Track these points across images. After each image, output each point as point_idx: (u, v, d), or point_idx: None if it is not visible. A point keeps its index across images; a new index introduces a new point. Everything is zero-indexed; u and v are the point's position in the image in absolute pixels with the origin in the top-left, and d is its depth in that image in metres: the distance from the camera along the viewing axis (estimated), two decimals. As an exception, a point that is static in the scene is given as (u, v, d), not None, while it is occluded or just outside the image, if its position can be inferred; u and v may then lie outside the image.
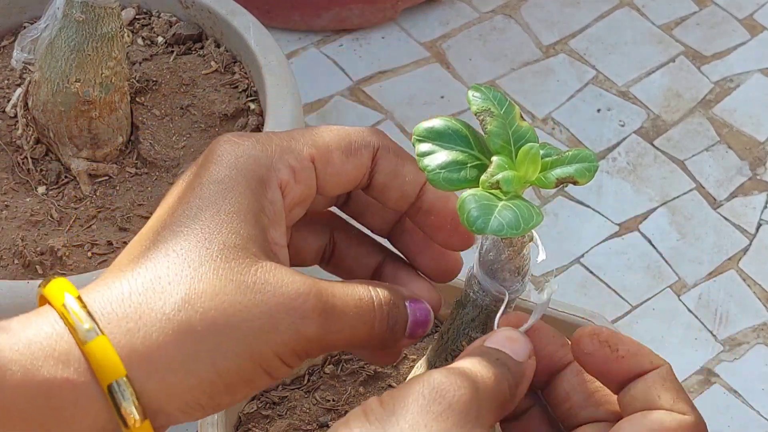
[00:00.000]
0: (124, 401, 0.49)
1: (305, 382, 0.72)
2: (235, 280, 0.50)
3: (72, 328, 0.49)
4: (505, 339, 0.54)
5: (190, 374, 0.50)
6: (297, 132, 0.56)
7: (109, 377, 0.49)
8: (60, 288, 0.50)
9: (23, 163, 0.90)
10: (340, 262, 0.60)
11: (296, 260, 0.59)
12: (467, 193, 0.51)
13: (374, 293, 0.54)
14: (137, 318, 0.50)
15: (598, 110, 1.20)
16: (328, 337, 0.52)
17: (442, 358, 0.62)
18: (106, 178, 0.90)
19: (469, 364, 0.52)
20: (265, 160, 0.54)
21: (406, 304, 0.56)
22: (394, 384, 0.71)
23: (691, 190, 1.15)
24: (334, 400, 0.70)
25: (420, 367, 0.63)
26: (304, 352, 0.51)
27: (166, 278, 0.50)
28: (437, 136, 0.53)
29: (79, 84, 0.86)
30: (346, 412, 0.69)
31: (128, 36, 0.95)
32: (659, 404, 0.51)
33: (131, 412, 0.49)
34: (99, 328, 0.49)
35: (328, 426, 0.69)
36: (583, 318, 0.74)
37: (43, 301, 0.51)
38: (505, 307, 0.60)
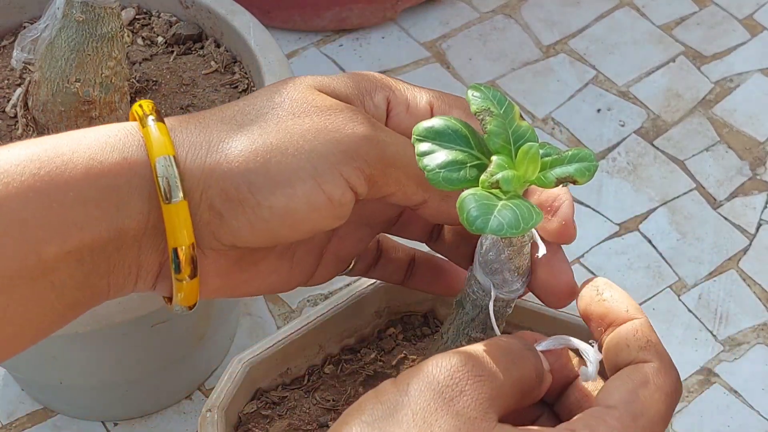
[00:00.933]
0: (168, 176, 0.51)
1: (305, 382, 0.72)
2: (299, 101, 0.54)
3: (138, 118, 0.53)
4: (528, 334, 0.55)
5: (231, 158, 0.52)
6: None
7: (158, 154, 0.52)
8: (139, 103, 0.55)
9: (23, 163, 0.90)
10: (445, 240, 0.63)
11: (406, 233, 0.62)
12: (467, 193, 0.51)
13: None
14: (199, 120, 0.54)
15: (598, 110, 1.20)
16: (379, 144, 0.53)
17: (442, 357, 0.62)
18: (106, 178, 0.90)
19: (490, 346, 0.52)
20: (382, 79, 0.57)
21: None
22: (394, 384, 0.71)
23: (691, 190, 1.15)
24: (334, 400, 0.71)
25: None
26: (356, 158, 0.53)
27: (229, 113, 0.54)
28: (437, 136, 0.53)
29: (79, 84, 0.86)
30: (347, 411, 0.69)
31: (128, 36, 0.95)
32: (627, 353, 0.53)
33: (173, 188, 0.51)
34: (160, 117, 0.53)
35: (328, 426, 0.69)
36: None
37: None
38: (505, 307, 0.60)
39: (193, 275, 0.53)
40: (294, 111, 0.53)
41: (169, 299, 0.57)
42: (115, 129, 0.53)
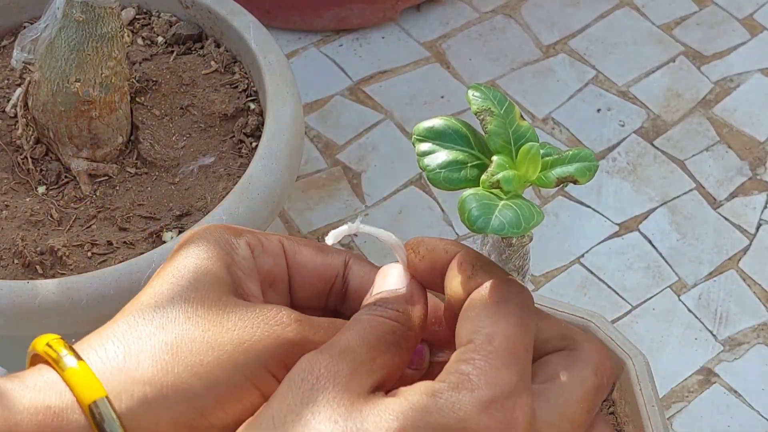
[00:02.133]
0: (105, 422, 0.49)
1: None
2: (214, 309, 0.51)
3: (53, 360, 0.50)
4: (378, 280, 0.54)
5: (176, 389, 0.50)
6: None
7: (89, 398, 0.49)
8: (43, 338, 0.51)
9: (23, 163, 0.90)
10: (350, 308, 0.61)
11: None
12: (468, 193, 0.51)
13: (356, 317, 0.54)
14: (114, 346, 0.50)
15: (598, 110, 1.20)
16: (310, 346, 0.51)
17: (442, 357, 0.62)
18: (106, 178, 0.90)
19: (330, 322, 0.52)
20: (231, 230, 0.55)
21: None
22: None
23: (691, 190, 1.15)
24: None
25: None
26: (288, 364, 0.51)
27: (143, 332, 0.51)
28: (437, 136, 0.53)
29: (79, 84, 0.86)
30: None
31: (128, 36, 0.95)
32: (459, 286, 0.51)
33: (113, 431, 0.48)
34: (78, 356, 0.50)
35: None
36: (582, 318, 0.74)
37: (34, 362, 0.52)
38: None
39: None
40: (217, 321, 0.51)
41: None
42: (33, 379, 0.50)
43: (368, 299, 0.54)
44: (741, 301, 1.07)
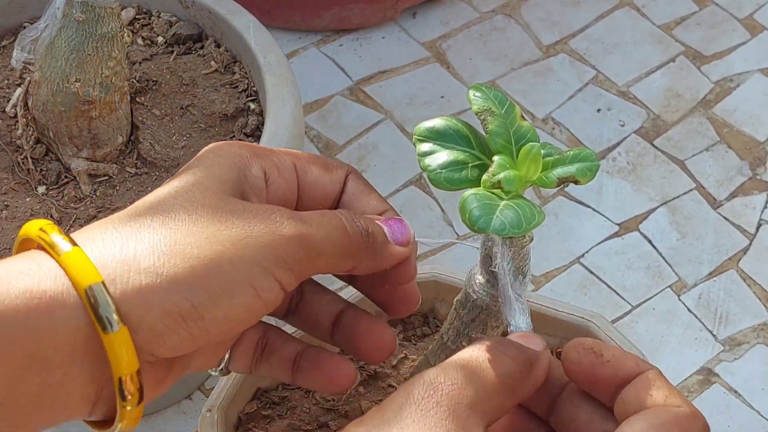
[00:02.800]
0: (101, 306, 0.49)
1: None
2: (215, 209, 0.53)
3: (48, 245, 0.50)
4: (517, 336, 0.55)
5: (171, 280, 0.50)
6: (279, 149, 0.59)
7: (85, 282, 0.49)
8: (35, 223, 0.52)
9: (23, 163, 0.90)
10: (305, 309, 0.61)
11: None
12: (469, 193, 0.51)
13: (333, 210, 0.56)
14: (112, 236, 0.51)
15: (598, 110, 1.20)
16: (305, 241, 0.53)
17: (442, 358, 0.62)
18: (106, 178, 0.90)
19: (467, 353, 0.52)
20: (249, 149, 0.57)
21: (377, 222, 0.57)
22: (395, 384, 0.71)
23: (691, 190, 1.15)
24: (334, 400, 0.71)
25: (420, 367, 0.63)
26: (286, 259, 0.52)
27: (144, 224, 0.52)
28: (438, 136, 0.53)
29: (79, 84, 0.86)
30: (346, 412, 0.69)
31: (128, 36, 0.95)
32: (652, 401, 0.51)
33: (109, 316, 0.49)
34: (73, 242, 0.50)
35: (328, 426, 0.69)
36: (582, 318, 0.74)
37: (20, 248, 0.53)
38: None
39: (140, 401, 0.51)
40: (216, 218, 0.52)
41: (103, 423, 0.54)
42: (26, 262, 0.50)
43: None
44: (741, 301, 1.07)
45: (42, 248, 0.51)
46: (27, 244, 0.53)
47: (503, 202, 0.51)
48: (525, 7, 1.28)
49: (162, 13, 0.99)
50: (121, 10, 0.92)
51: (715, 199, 1.14)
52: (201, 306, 0.50)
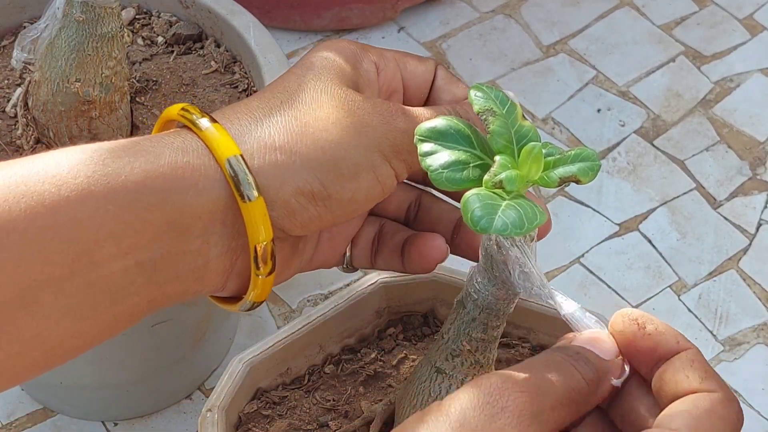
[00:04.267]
0: (240, 177, 0.53)
1: (305, 382, 0.72)
2: (337, 98, 0.57)
3: (190, 122, 0.54)
4: (590, 339, 0.55)
5: (303, 158, 0.54)
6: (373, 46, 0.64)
7: (226, 155, 0.53)
8: (176, 106, 0.56)
9: (23, 163, 0.90)
10: (424, 218, 0.65)
11: (384, 211, 0.66)
12: (470, 193, 0.51)
13: (447, 106, 0.61)
14: (247, 117, 0.55)
15: (598, 110, 1.20)
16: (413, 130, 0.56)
17: (443, 357, 0.62)
18: (106, 178, 0.90)
19: (539, 360, 0.52)
20: (358, 45, 0.62)
21: None
22: (394, 384, 0.71)
23: (691, 190, 1.15)
24: (334, 400, 0.71)
25: (420, 366, 0.63)
26: (401, 149, 0.57)
27: (274, 107, 0.56)
28: (440, 136, 0.53)
29: (79, 84, 0.86)
30: (347, 412, 0.69)
31: (128, 36, 0.95)
32: (688, 383, 0.52)
33: (248, 187, 0.53)
34: (213, 119, 0.54)
35: (328, 426, 0.69)
36: (583, 318, 0.74)
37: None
38: (506, 306, 0.60)
39: (272, 270, 0.55)
40: (339, 106, 0.56)
41: (232, 299, 0.58)
42: (170, 137, 0.54)
43: (573, 341, 0.55)
44: (741, 301, 1.07)
45: (184, 127, 0.55)
46: (168, 126, 0.57)
47: (505, 202, 0.51)
48: (525, 7, 1.28)
49: (162, 13, 0.99)
50: (121, 10, 0.92)
51: (715, 199, 1.14)
52: (330, 186, 0.55)
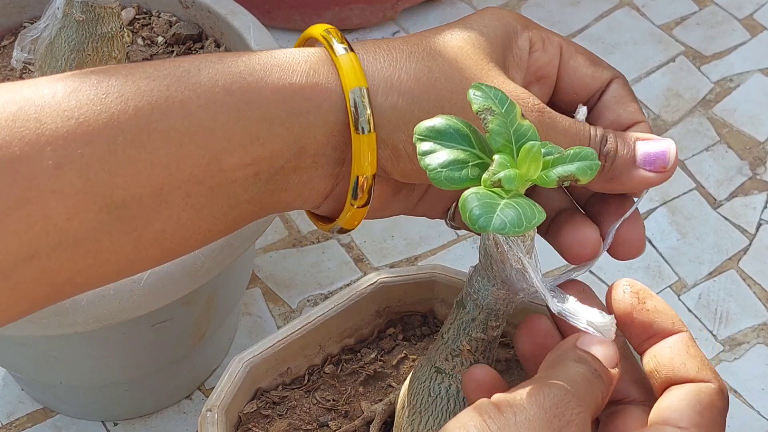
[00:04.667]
0: (359, 108, 0.55)
1: (305, 382, 0.72)
2: (476, 66, 0.58)
3: (328, 45, 0.56)
4: (598, 342, 0.55)
5: (421, 107, 0.56)
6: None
7: (352, 85, 0.55)
8: (321, 26, 0.57)
9: (23, 162, 0.90)
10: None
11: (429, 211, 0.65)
12: (469, 192, 0.51)
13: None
14: (385, 55, 0.56)
15: (598, 110, 1.20)
16: (541, 134, 0.55)
17: (443, 357, 0.62)
18: (106, 177, 0.90)
19: (577, 375, 0.53)
20: (523, 21, 0.62)
21: (636, 139, 0.59)
22: (394, 384, 0.71)
23: (691, 190, 1.15)
24: (334, 400, 0.70)
25: (420, 366, 0.63)
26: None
27: (413, 54, 0.57)
28: (438, 135, 0.53)
29: (79, 84, 0.86)
30: (346, 412, 0.69)
31: (128, 36, 0.95)
32: (685, 371, 0.53)
33: (364, 119, 0.55)
34: (351, 48, 0.56)
35: (328, 426, 0.69)
36: (583, 318, 0.74)
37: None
38: (506, 306, 0.60)
39: (367, 203, 0.57)
40: (471, 74, 0.57)
41: (324, 219, 0.60)
42: (306, 54, 0.56)
43: (580, 342, 0.55)
44: (741, 301, 1.07)
45: (324, 47, 0.57)
46: (309, 44, 0.59)
47: (504, 201, 0.51)
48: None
49: (162, 13, 0.99)
50: (121, 10, 0.92)
51: (715, 199, 1.14)
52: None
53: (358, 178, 0.56)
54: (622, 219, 0.59)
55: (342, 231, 0.60)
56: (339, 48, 0.56)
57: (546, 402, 0.50)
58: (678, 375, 0.53)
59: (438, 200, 0.63)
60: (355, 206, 0.57)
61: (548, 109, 0.58)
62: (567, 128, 0.58)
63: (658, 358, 0.54)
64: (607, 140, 0.58)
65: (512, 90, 0.57)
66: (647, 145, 0.59)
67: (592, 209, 0.62)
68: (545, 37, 0.62)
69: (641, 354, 0.56)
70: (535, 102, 0.57)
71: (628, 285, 0.56)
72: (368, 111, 0.55)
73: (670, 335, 0.55)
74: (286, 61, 0.55)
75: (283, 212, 0.58)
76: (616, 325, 0.55)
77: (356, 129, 0.55)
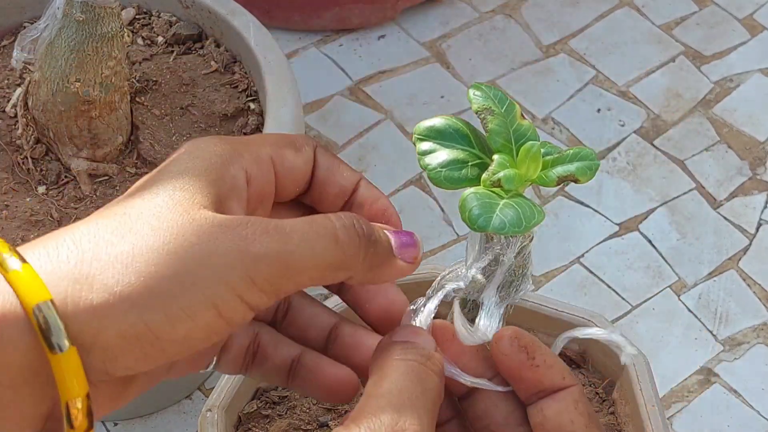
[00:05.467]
0: (50, 325, 0.46)
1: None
2: (181, 222, 0.48)
3: (44, 341, 0.47)
4: (410, 332, 0.54)
5: (125, 300, 0.47)
6: (249, 137, 0.55)
7: (33, 301, 0.46)
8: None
9: (23, 163, 0.90)
10: (294, 321, 0.58)
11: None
12: (469, 192, 0.51)
13: (328, 214, 0.51)
14: (68, 250, 0.48)
15: (598, 110, 1.20)
16: (282, 259, 0.49)
17: (443, 357, 0.62)
18: (106, 177, 0.90)
19: (398, 376, 0.51)
20: (229, 148, 0.53)
21: (385, 231, 0.54)
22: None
23: (691, 190, 1.15)
24: (334, 400, 0.70)
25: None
26: (255, 279, 0.48)
27: (103, 238, 0.48)
28: (438, 135, 0.53)
29: (79, 84, 0.86)
30: (346, 411, 0.69)
31: (128, 36, 0.95)
32: (572, 429, 0.52)
33: (57, 336, 0.46)
34: (23, 259, 0.47)
35: (328, 426, 0.69)
36: (582, 318, 0.74)
37: None
38: (505, 308, 0.60)
39: (89, 427, 0.48)
40: (180, 234, 0.48)
41: None
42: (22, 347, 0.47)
43: (396, 335, 0.54)
44: (741, 301, 1.07)
45: None
46: None
47: (503, 201, 0.51)
48: (525, 7, 1.28)
49: (162, 13, 0.99)
50: (121, 10, 0.92)
51: (715, 199, 1.14)
52: (157, 328, 0.47)
53: (68, 404, 0.47)
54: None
55: None
56: (11, 263, 0.47)
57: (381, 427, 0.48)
58: (562, 422, 0.52)
59: (191, 364, 0.56)
60: None
61: (276, 226, 0.50)
62: (310, 236, 0.50)
63: (545, 411, 0.53)
64: (368, 229, 0.52)
65: (236, 223, 0.49)
66: (398, 237, 0.54)
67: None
68: (257, 158, 0.54)
69: (527, 405, 0.54)
70: (258, 228, 0.49)
71: (515, 338, 0.53)
72: (60, 324, 0.46)
73: (561, 390, 0.53)
74: None
75: None
76: (505, 381, 0.54)
77: (51, 349, 0.46)
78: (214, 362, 0.57)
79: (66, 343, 0.46)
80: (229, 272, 0.48)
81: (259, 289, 0.48)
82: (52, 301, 0.46)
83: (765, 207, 1.13)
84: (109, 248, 0.48)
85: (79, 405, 0.47)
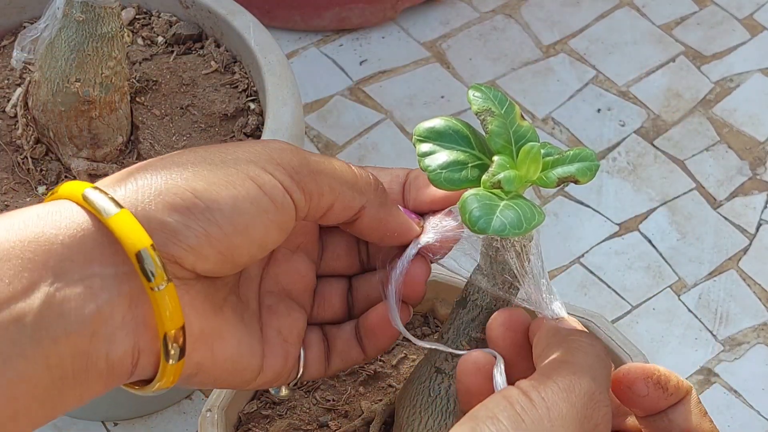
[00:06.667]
0: (148, 264, 0.49)
1: (305, 382, 0.71)
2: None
3: (95, 211, 0.50)
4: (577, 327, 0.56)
5: (166, 173, 0.51)
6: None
7: (135, 248, 0.49)
8: (73, 185, 0.52)
9: (23, 163, 0.90)
10: (321, 303, 0.62)
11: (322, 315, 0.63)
12: (469, 193, 0.51)
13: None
14: (144, 190, 0.51)
15: (598, 110, 1.20)
16: (301, 152, 0.54)
17: (443, 357, 0.62)
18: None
19: (595, 360, 0.52)
20: (298, 167, 0.56)
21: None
22: (395, 384, 0.71)
23: (691, 190, 1.15)
24: (334, 400, 0.70)
25: (420, 366, 0.63)
26: (281, 162, 0.53)
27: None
28: (438, 136, 0.53)
29: (79, 84, 0.86)
30: (346, 412, 0.69)
31: (128, 36, 0.95)
32: (693, 427, 0.54)
33: (108, 204, 0.50)
34: (117, 202, 0.50)
35: (327, 426, 0.69)
36: (582, 318, 0.74)
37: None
38: (505, 306, 0.60)
39: (181, 356, 0.52)
40: (218, 148, 0.54)
41: (143, 382, 0.54)
42: (77, 223, 0.50)
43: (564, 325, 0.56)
44: (741, 301, 1.07)
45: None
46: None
47: (503, 203, 0.51)
48: (525, 7, 1.28)
49: (162, 13, 0.99)
50: (121, 10, 0.92)
51: (715, 199, 1.14)
52: (202, 194, 0.51)
53: (165, 335, 0.51)
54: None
55: (163, 391, 0.54)
56: (109, 208, 0.50)
57: (578, 401, 0.49)
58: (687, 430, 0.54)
59: (285, 348, 0.59)
60: (171, 364, 0.51)
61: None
62: (326, 157, 0.57)
63: (670, 416, 0.55)
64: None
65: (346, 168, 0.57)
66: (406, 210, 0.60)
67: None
68: (321, 192, 0.57)
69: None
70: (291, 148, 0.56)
71: (648, 378, 0.54)
72: (161, 268, 0.50)
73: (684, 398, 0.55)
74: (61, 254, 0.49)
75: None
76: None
77: (151, 288, 0.50)
78: (301, 368, 0.60)
79: (114, 209, 0.49)
80: (258, 157, 0.53)
81: (285, 171, 0.53)
82: (151, 245, 0.50)
83: (765, 207, 1.14)
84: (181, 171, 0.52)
85: (179, 334, 0.51)
